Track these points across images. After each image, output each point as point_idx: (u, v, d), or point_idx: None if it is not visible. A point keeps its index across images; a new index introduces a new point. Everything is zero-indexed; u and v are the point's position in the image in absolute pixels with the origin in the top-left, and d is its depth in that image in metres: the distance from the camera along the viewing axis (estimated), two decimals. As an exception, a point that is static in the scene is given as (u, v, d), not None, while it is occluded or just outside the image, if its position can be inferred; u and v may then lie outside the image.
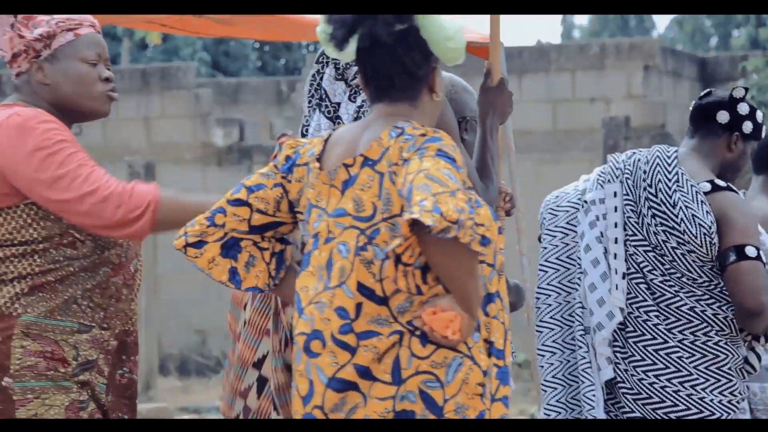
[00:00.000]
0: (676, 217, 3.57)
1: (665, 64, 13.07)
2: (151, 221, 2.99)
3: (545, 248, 3.80)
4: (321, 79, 3.51)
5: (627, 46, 13.21)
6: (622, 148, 9.95)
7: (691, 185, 3.59)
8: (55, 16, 3.09)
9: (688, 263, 3.58)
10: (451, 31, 2.95)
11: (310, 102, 3.52)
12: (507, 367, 2.91)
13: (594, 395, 3.62)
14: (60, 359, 3.01)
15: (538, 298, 3.81)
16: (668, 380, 3.59)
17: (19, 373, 2.99)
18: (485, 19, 3.98)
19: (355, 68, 3.58)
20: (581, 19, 36.10)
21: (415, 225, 2.66)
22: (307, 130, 3.48)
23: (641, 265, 3.63)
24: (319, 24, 3.01)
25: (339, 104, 3.49)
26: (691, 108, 3.80)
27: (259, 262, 2.98)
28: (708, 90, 3.81)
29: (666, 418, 3.58)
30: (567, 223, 3.77)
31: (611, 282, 3.63)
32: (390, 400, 2.80)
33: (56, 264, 3.03)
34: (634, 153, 3.74)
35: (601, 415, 3.63)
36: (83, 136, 13.38)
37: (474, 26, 5.69)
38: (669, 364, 3.58)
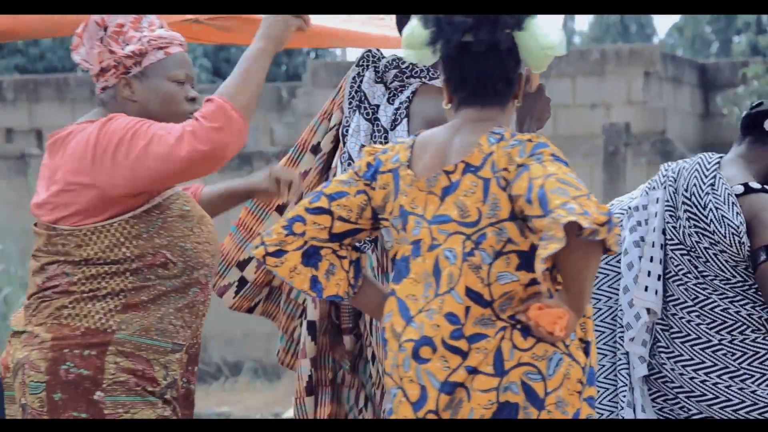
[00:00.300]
0: (706, 218, 3.74)
1: (666, 70, 13.08)
2: (237, 113, 3.01)
3: None
4: (361, 81, 3.68)
5: (627, 52, 13.22)
6: (622, 154, 9.96)
7: (725, 188, 3.77)
8: (146, 33, 3.12)
9: (721, 263, 3.74)
10: (556, 41, 3.01)
11: (350, 104, 3.65)
12: (593, 368, 2.97)
13: (625, 396, 3.78)
14: (150, 378, 3.05)
15: (597, 300, 3.94)
16: (718, 377, 3.76)
17: (111, 387, 3.02)
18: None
19: (394, 71, 3.68)
20: (582, 25, 36.10)
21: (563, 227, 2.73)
22: (346, 131, 3.59)
23: (678, 268, 3.80)
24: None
25: (378, 106, 3.60)
26: (741, 116, 4.00)
27: (339, 271, 3.00)
28: (760, 101, 4.00)
29: (723, 413, 3.76)
30: None
31: (641, 284, 3.80)
32: (493, 392, 2.86)
33: (148, 282, 3.06)
34: (682, 161, 3.94)
35: (629, 415, 3.79)
36: (84, 142, 13.44)
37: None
38: (716, 362, 3.76)
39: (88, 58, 3.15)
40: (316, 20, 5.15)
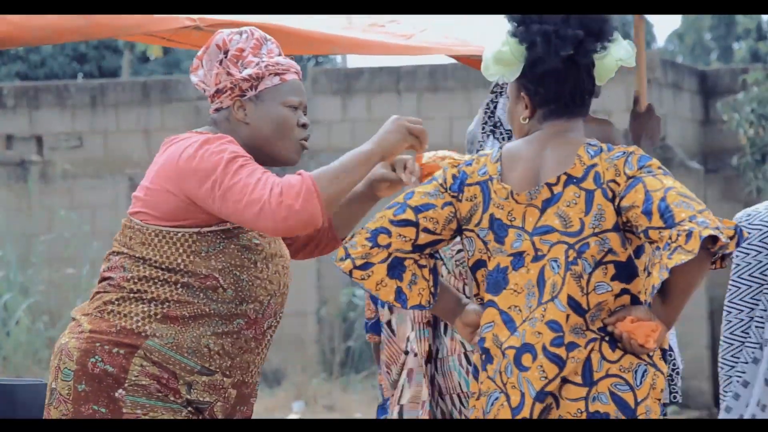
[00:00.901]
0: None
1: (665, 76, 13.10)
2: (319, 203, 3.03)
3: (738, 265, 3.91)
4: (495, 107, 3.87)
5: (627, 58, 13.21)
6: (622, 160, 9.96)
7: None
8: (265, 59, 3.18)
9: None
10: (629, 52, 3.08)
11: (483, 128, 3.87)
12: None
13: (727, 405, 3.80)
14: (173, 389, 3.07)
15: (728, 312, 3.94)
16: None
17: (132, 388, 3.05)
18: (485, 33, 4.03)
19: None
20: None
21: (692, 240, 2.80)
22: None
23: None
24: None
25: (511, 131, 3.74)
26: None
27: (421, 280, 3.03)
28: None
29: None
30: (760, 241, 3.86)
31: None
32: (582, 401, 2.94)
33: (195, 300, 3.08)
34: None
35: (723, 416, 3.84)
36: (85, 149, 13.41)
37: (474, 40, 5.70)
38: None
39: (206, 79, 3.21)
40: (317, 27, 5.16)
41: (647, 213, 2.88)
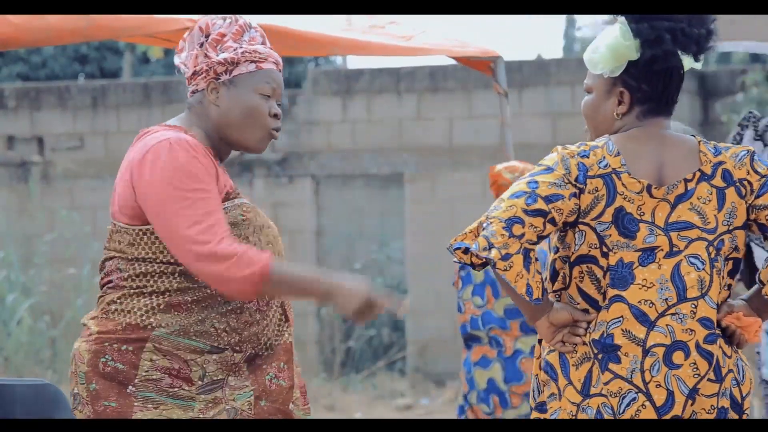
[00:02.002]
0: None
1: (665, 78, 13.10)
2: (264, 286, 3.00)
3: None
4: (741, 139, 4.11)
5: (627, 60, 13.23)
6: (621, 161, 9.98)
7: None
8: (244, 46, 3.18)
9: None
10: (692, 61, 3.11)
11: None
12: None
13: None
14: (185, 378, 3.08)
15: None
16: None
17: (143, 384, 3.08)
18: (485, 34, 4.05)
19: None
20: (584, 31, 36.15)
21: None
22: None
23: None
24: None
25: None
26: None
27: (536, 273, 2.98)
28: None
29: None
30: None
31: None
32: (714, 398, 2.98)
33: (195, 284, 3.09)
34: None
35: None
36: (85, 150, 13.42)
37: (474, 41, 5.72)
38: None
39: (186, 61, 3.23)
40: (318, 29, 5.18)
41: None
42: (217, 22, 3.21)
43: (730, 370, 3.00)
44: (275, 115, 3.20)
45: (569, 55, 28.60)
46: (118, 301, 3.12)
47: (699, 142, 3.05)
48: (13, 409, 4.03)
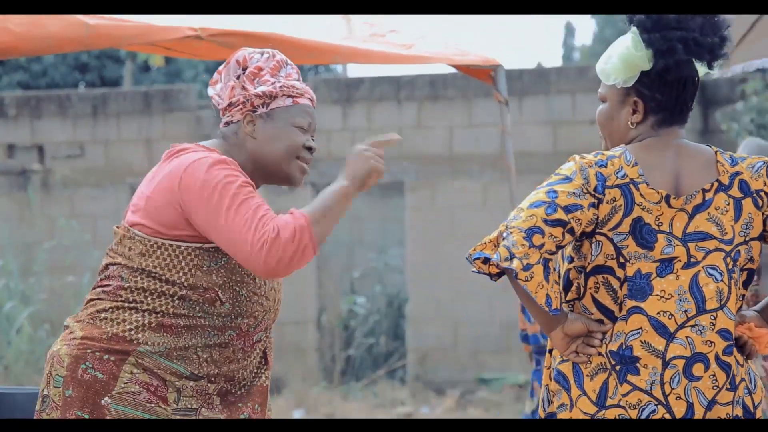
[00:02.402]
0: None
1: (665, 86, 13.10)
2: (312, 243, 3.04)
3: None
4: None
5: (627, 68, 13.23)
6: (622, 170, 9.98)
7: None
8: (281, 80, 3.22)
9: None
10: (703, 71, 3.08)
11: None
12: None
13: None
14: (162, 397, 3.08)
15: None
16: None
17: (120, 396, 3.06)
18: (485, 42, 4.05)
19: None
20: (583, 39, 36.21)
21: None
22: None
23: None
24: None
25: None
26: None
27: (555, 284, 2.96)
28: None
29: None
30: None
31: None
32: (730, 406, 2.97)
33: (190, 312, 3.10)
34: None
35: None
36: (86, 158, 13.42)
37: (474, 50, 5.73)
38: None
39: (221, 93, 3.24)
40: (319, 37, 5.18)
41: None
42: (255, 56, 3.23)
43: (742, 379, 2.99)
44: (309, 148, 3.23)
45: (569, 64, 28.64)
46: (110, 310, 3.12)
47: (716, 152, 3.04)
48: (12, 417, 4.03)
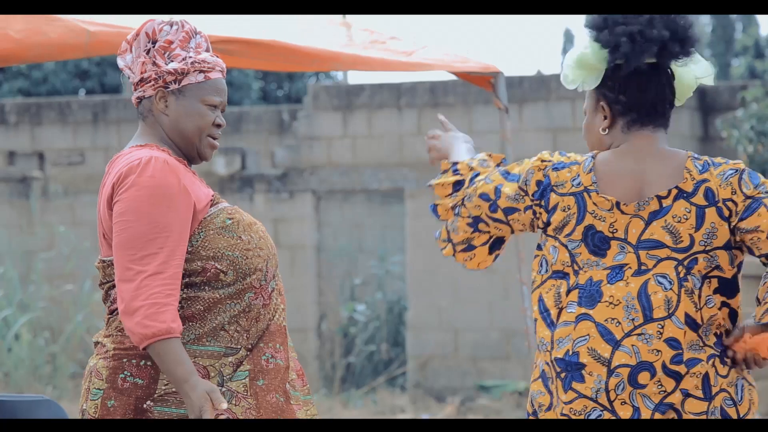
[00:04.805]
0: None
1: (665, 93, 13.10)
2: (146, 340, 3.03)
3: None
4: None
5: (627, 75, 13.22)
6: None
7: None
8: (192, 54, 3.22)
9: None
10: (706, 73, 3.06)
11: None
12: None
13: None
14: None
15: None
16: None
17: (162, 398, 3.08)
18: (485, 49, 4.06)
19: None
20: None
21: None
22: None
23: None
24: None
25: None
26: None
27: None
28: None
29: None
30: None
31: None
32: (703, 416, 2.93)
33: (202, 293, 3.12)
34: None
35: None
36: (87, 165, 13.43)
37: (474, 57, 5.73)
38: None
39: (132, 65, 3.25)
40: (319, 44, 5.19)
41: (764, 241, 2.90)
42: (164, 28, 3.24)
43: (723, 390, 2.95)
44: (218, 125, 3.26)
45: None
46: None
47: (689, 157, 3.01)
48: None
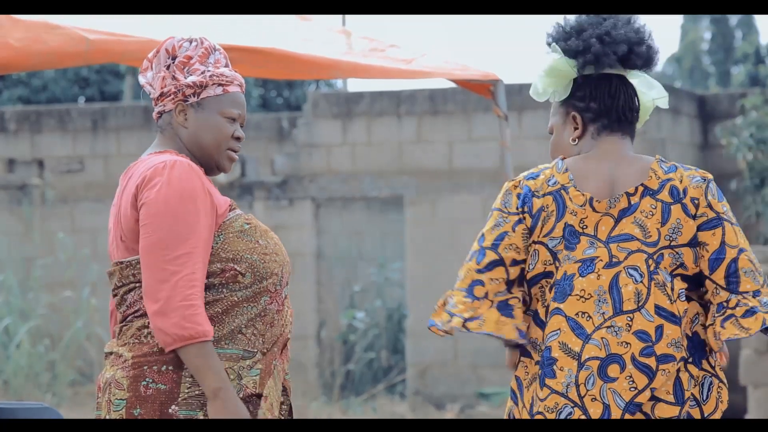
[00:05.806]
0: None
1: (664, 101, 13.10)
2: (181, 342, 3.04)
3: None
4: None
5: (626, 83, 13.23)
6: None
7: None
8: (210, 69, 3.26)
9: None
10: (661, 95, 3.09)
11: None
12: None
13: None
14: None
15: None
16: None
17: (186, 402, 3.08)
18: (485, 57, 4.08)
19: None
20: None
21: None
22: None
23: None
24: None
25: None
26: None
27: (519, 311, 3.03)
28: None
29: None
30: None
31: None
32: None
33: (220, 296, 3.13)
34: None
35: None
36: (86, 172, 13.44)
37: (474, 64, 5.74)
38: None
39: (152, 81, 3.29)
40: (319, 52, 5.20)
41: (715, 263, 2.94)
42: (183, 44, 3.28)
43: (692, 395, 2.97)
44: (237, 138, 3.29)
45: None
46: (149, 325, 3.12)
47: (656, 160, 3.05)
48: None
